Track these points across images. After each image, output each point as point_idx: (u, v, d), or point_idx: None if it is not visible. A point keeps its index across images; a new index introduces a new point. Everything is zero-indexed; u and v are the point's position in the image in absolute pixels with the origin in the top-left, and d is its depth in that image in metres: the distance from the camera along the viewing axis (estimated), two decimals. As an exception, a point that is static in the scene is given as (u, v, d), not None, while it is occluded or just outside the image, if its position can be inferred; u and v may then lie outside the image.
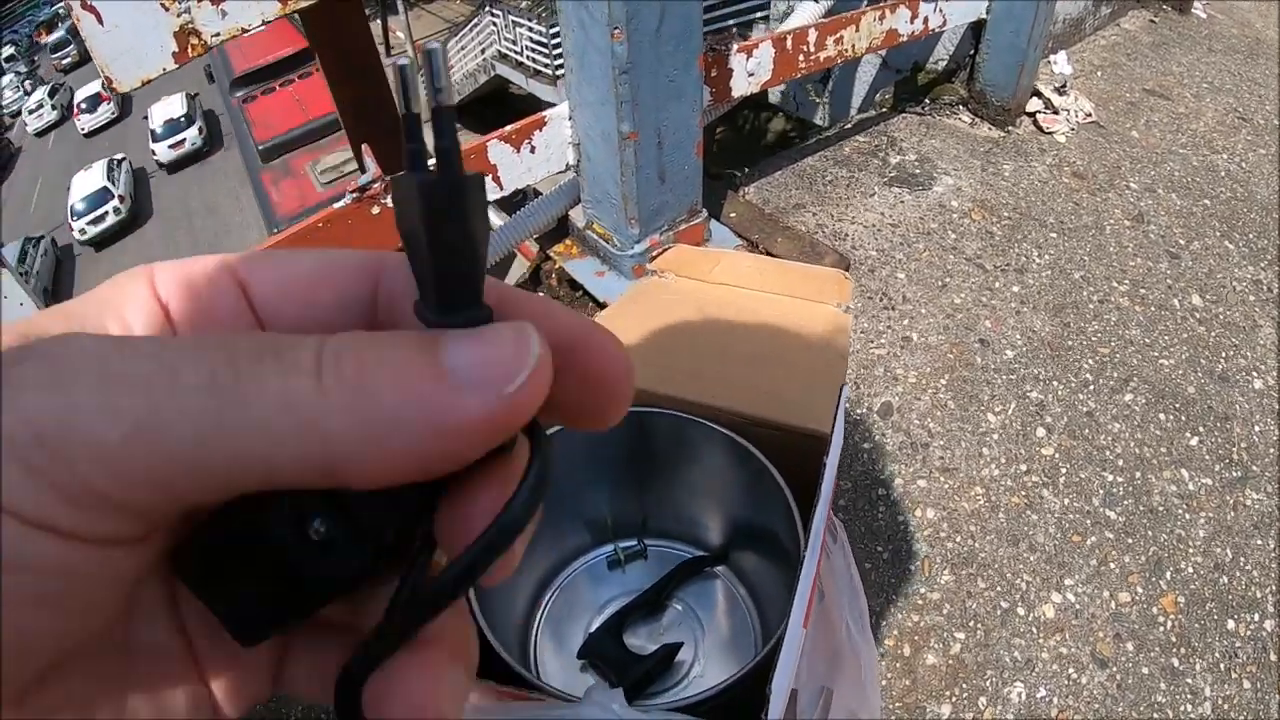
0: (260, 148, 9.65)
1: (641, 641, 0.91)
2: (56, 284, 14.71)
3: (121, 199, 15.40)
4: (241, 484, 0.18)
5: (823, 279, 1.04)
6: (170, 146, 16.30)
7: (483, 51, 11.11)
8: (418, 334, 0.20)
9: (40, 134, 19.84)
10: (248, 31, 1.14)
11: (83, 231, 15.06)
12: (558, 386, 0.21)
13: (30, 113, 20.15)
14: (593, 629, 0.92)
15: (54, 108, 20.08)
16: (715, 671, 0.90)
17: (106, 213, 15.08)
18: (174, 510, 0.18)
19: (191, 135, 16.54)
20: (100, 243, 15.22)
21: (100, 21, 1.00)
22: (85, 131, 18.73)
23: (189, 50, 1.08)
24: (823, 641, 0.85)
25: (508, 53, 10.34)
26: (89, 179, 15.51)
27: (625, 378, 0.23)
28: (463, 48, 11.72)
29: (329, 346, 0.19)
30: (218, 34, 1.10)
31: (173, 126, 16.36)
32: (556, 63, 9.38)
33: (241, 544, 0.21)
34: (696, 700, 0.66)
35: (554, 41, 9.28)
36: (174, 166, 16.55)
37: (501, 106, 12.55)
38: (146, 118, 16.81)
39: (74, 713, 0.20)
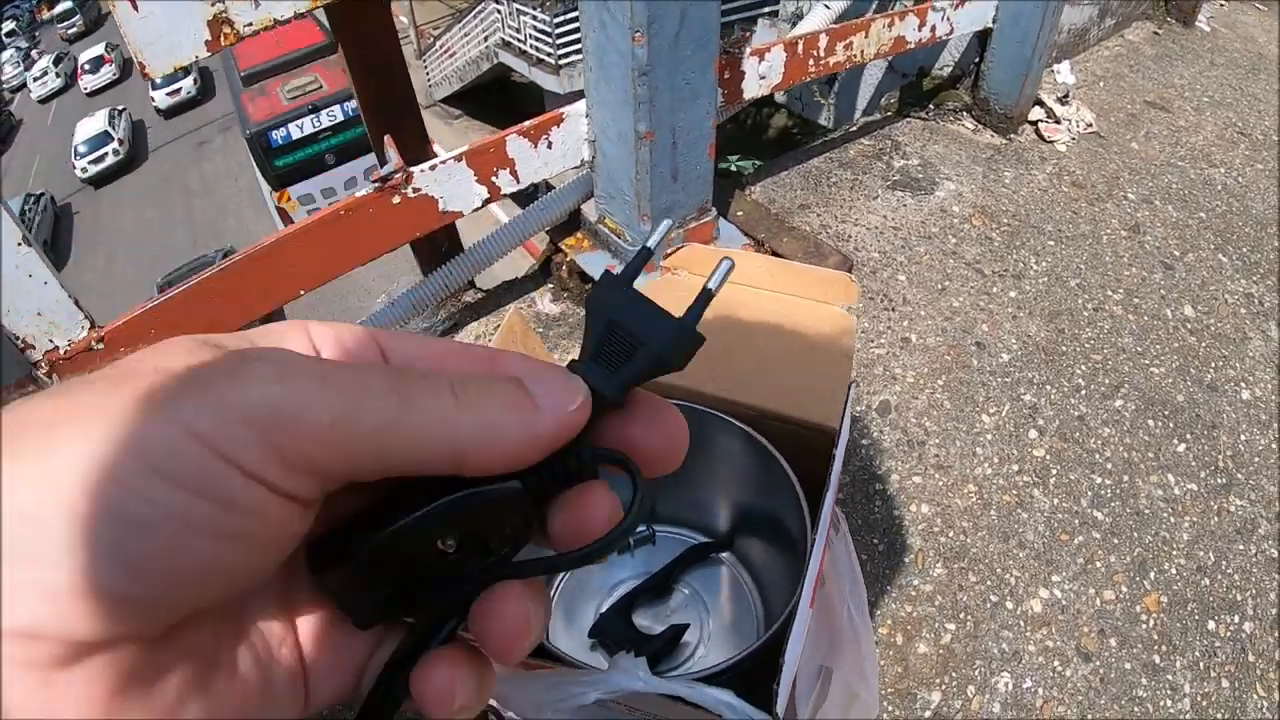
0: (242, 75, 10.78)
1: (649, 622, 0.95)
2: (55, 238, 15.29)
3: (121, 142, 16.64)
4: (399, 466, 0.26)
5: (829, 281, 1.07)
6: (168, 94, 17.69)
7: (486, 38, 11.09)
8: (512, 380, 0.29)
9: (44, 100, 20.22)
10: (280, 23, 1.17)
11: (84, 170, 16.25)
12: (642, 441, 0.32)
13: (35, 80, 20.63)
14: (603, 610, 0.96)
15: (58, 75, 20.56)
16: (719, 652, 0.94)
17: (106, 154, 16.42)
18: (345, 480, 0.25)
19: (187, 85, 17.95)
20: (99, 181, 16.42)
21: (135, 8, 1.02)
22: (88, 91, 19.60)
23: (221, 39, 1.11)
24: (824, 624, 0.90)
25: (511, 40, 10.33)
26: (92, 124, 16.75)
27: (684, 438, 0.33)
28: (466, 34, 11.69)
29: (458, 380, 0.27)
30: (250, 24, 1.13)
31: (170, 77, 17.24)
32: (559, 52, 9.38)
33: (375, 543, 0.28)
34: (710, 673, 0.69)
35: (558, 30, 9.27)
36: (170, 113, 18.06)
37: (503, 94, 12.56)
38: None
39: (194, 666, 0.25)
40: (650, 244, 0.35)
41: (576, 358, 0.32)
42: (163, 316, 1.25)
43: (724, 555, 1.03)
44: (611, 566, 1.01)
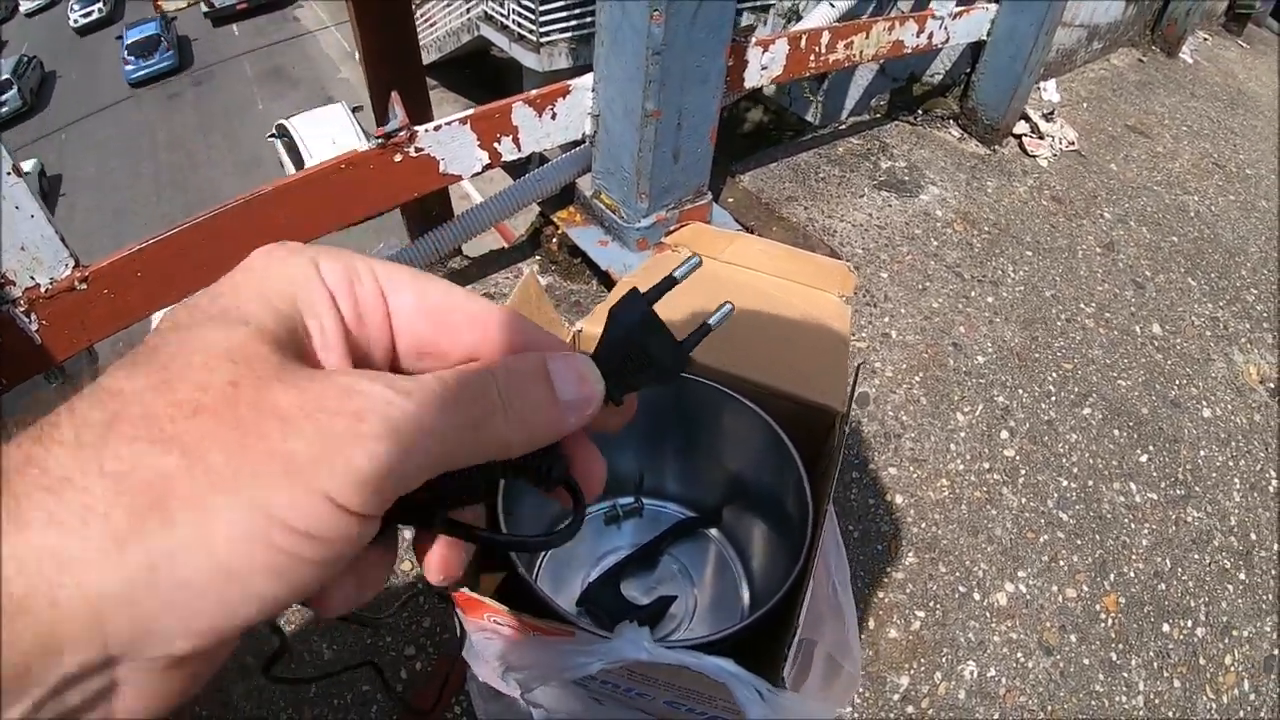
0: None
1: (636, 593, 0.96)
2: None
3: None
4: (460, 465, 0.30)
5: (828, 269, 1.09)
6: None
7: (468, 10, 10.95)
8: (545, 379, 0.32)
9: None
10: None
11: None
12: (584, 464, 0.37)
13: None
14: (591, 579, 0.97)
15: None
16: (704, 626, 0.95)
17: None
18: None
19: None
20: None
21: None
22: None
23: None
24: (811, 600, 0.92)
25: (493, 14, 10.20)
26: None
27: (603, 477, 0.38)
28: (448, 4, 11.54)
29: (502, 388, 0.31)
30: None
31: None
32: (541, 29, 9.28)
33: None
34: (703, 644, 0.71)
35: (541, 8, 9.17)
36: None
37: (481, 68, 12.42)
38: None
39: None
40: (677, 274, 0.40)
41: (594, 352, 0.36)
42: (149, 261, 1.21)
43: (711, 531, 1.04)
44: (600, 537, 1.02)
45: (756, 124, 7.32)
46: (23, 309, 1.12)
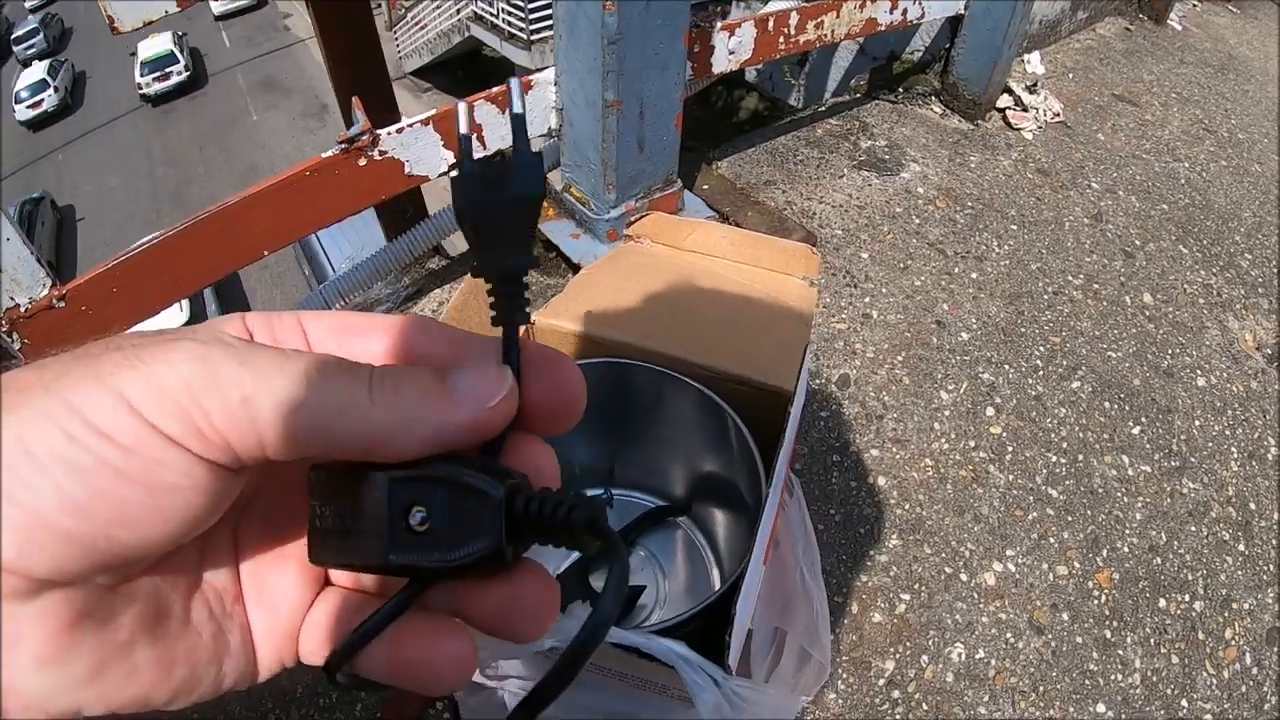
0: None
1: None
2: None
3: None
4: (311, 449, 0.27)
5: (790, 253, 1.07)
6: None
7: (458, 11, 10.95)
8: (436, 369, 0.29)
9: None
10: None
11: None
12: (533, 399, 0.31)
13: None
14: (560, 571, 0.95)
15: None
16: (675, 613, 0.94)
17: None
18: (259, 458, 0.27)
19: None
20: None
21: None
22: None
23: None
24: (778, 586, 0.90)
25: (483, 14, 10.20)
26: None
27: (581, 392, 0.32)
28: (438, 6, 11.55)
29: (377, 372, 0.28)
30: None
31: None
32: (532, 27, 9.28)
33: (355, 497, 0.29)
34: (663, 628, 0.69)
35: (531, 6, 9.16)
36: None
37: (474, 69, 12.44)
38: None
39: (147, 611, 0.27)
40: (516, 109, 0.34)
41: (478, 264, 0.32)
42: (124, 276, 1.23)
43: (680, 519, 1.03)
44: (567, 529, 1.00)
45: (752, 111, 7.29)
46: (4, 329, 1.16)
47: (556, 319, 0.94)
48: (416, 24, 12.08)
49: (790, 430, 0.80)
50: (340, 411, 0.27)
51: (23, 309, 1.16)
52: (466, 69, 12.49)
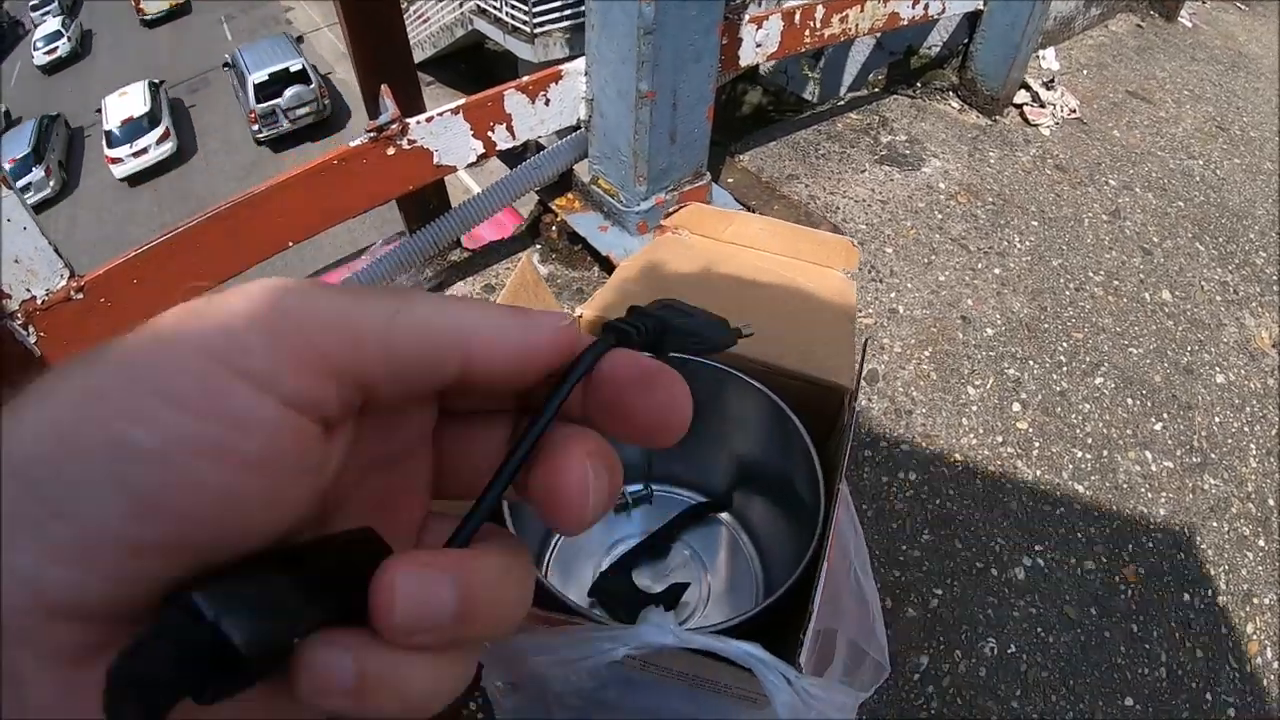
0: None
1: (649, 581, 0.94)
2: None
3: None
4: (408, 361, 0.25)
5: (831, 246, 1.07)
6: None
7: (460, 5, 10.90)
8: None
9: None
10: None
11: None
12: (636, 409, 0.29)
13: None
14: (602, 568, 0.95)
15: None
16: (718, 612, 0.93)
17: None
18: (359, 385, 0.24)
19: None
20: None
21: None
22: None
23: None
24: (829, 586, 0.90)
25: (486, 7, 10.15)
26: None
27: (686, 407, 0.29)
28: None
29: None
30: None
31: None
32: (535, 20, 9.23)
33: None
34: (727, 626, 0.69)
35: (534, -1, 9.13)
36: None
37: (477, 62, 12.39)
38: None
39: None
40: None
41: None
42: (145, 267, 1.20)
43: (723, 515, 1.02)
44: (609, 526, 1.00)
45: (755, 105, 7.29)
46: (20, 322, 1.11)
47: (603, 312, 0.93)
48: (419, 17, 12.02)
49: (850, 427, 0.80)
50: (432, 313, 0.25)
51: (39, 301, 1.12)
52: (469, 63, 12.43)
